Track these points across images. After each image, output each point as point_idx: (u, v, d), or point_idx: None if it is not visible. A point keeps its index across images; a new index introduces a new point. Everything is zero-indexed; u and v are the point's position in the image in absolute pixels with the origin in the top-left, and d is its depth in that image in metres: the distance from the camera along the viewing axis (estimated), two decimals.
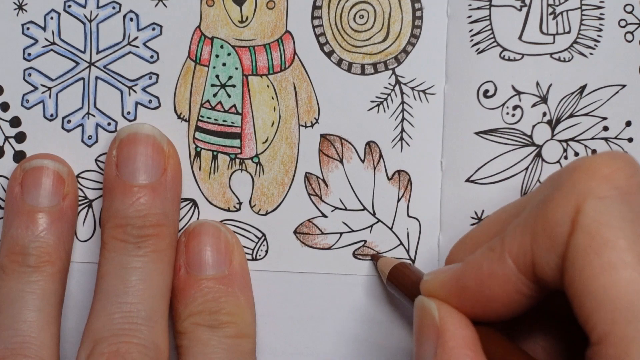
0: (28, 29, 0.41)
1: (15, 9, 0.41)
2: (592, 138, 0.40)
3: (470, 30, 0.40)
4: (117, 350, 0.36)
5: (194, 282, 0.39)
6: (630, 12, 0.40)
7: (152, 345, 0.37)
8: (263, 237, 0.42)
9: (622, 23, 0.40)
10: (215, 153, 0.42)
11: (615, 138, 0.40)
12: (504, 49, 0.40)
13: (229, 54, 0.41)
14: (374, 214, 0.41)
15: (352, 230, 0.41)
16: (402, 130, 0.41)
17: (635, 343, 0.27)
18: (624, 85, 0.40)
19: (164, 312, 0.38)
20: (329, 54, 0.41)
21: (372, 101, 0.41)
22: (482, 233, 0.35)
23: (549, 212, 0.30)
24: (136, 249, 0.38)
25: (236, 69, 0.41)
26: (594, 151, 0.40)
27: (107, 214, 0.39)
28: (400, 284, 0.38)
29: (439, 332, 0.32)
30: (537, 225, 0.30)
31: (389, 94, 0.41)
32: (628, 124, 0.40)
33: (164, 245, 0.39)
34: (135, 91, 0.41)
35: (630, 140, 0.40)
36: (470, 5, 0.40)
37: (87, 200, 0.42)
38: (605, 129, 0.40)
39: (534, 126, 0.40)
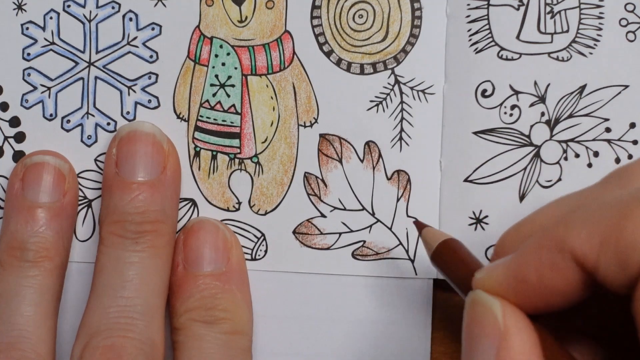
0: (27, 28, 0.41)
1: (14, 9, 0.41)
2: (594, 139, 0.40)
3: (469, 30, 0.40)
4: (112, 345, 0.36)
5: (191, 279, 0.39)
6: (632, 11, 0.40)
7: (147, 341, 0.37)
8: (262, 237, 0.41)
9: (624, 22, 0.40)
10: (214, 153, 0.42)
11: (619, 140, 0.40)
12: (502, 49, 0.40)
13: (228, 54, 0.41)
14: (373, 214, 0.41)
15: (351, 231, 0.41)
16: (402, 130, 0.41)
17: None
18: (626, 86, 0.40)
19: (160, 308, 0.38)
20: (328, 54, 0.41)
21: (371, 101, 0.41)
22: (538, 222, 0.34)
23: (627, 232, 0.28)
24: (134, 244, 0.38)
25: (235, 68, 0.41)
26: (596, 153, 0.40)
27: (105, 211, 0.39)
28: (447, 264, 0.36)
29: (502, 335, 0.30)
30: (609, 237, 0.28)
31: (388, 94, 0.41)
32: (632, 125, 0.40)
33: (162, 242, 0.39)
34: (134, 91, 0.41)
35: (635, 142, 0.40)
36: (468, 4, 0.40)
37: (86, 200, 0.42)
38: (608, 130, 0.40)
39: (532, 126, 0.40)
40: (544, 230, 0.30)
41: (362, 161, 0.41)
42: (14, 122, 0.42)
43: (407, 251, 0.41)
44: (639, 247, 0.27)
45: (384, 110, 0.41)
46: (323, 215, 0.41)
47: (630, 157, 0.40)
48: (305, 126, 0.41)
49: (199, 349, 0.38)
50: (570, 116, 0.40)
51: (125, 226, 0.38)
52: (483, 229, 0.40)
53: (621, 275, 0.28)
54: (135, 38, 0.42)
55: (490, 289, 0.31)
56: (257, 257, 0.42)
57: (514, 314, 0.30)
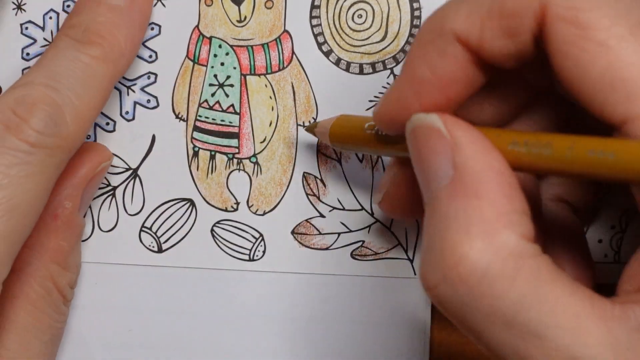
0: (27, 28, 0.41)
1: (14, 9, 0.41)
2: None
3: None
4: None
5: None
6: None
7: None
8: (260, 238, 0.41)
9: None
10: (213, 153, 0.41)
11: None
12: None
13: (227, 54, 0.41)
14: (372, 214, 0.41)
15: (350, 231, 0.41)
16: None
17: None
18: None
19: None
20: (327, 54, 0.41)
21: (370, 101, 0.41)
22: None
23: (508, 3, 0.29)
24: (85, 46, 0.37)
25: (234, 68, 0.41)
26: None
27: (67, 22, 0.38)
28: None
29: (452, 145, 0.29)
30: (491, 10, 0.29)
31: None
32: None
33: (110, 58, 0.38)
34: (133, 91, 0.41)
35: None
36: None
37: None
38: None
39: None
40: (424, 26, 0.31)
41: (361, 161, 0.41)
42: None
43: (406, 251, 0.41)
44: (524, 12, 0.28)
45: None
46: (322, 216, 0.41)
47: None
48: (304, 126, 0.41)
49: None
50: None
51: (80, 30, 0.37)
52: None
53: (510, 45, 0.29)
54: None
55: (392, 109, 0.32)
56: (256, 257, 0.41)
57: (454, 120, 0.30)
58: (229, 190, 0.42)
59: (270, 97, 0.41)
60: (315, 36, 0.41)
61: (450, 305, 0.29)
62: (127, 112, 0.42)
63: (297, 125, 0.41)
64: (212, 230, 0.42)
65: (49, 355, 0.39)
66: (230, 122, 0.41)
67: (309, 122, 0.41)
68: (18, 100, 0.35)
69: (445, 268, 0.28)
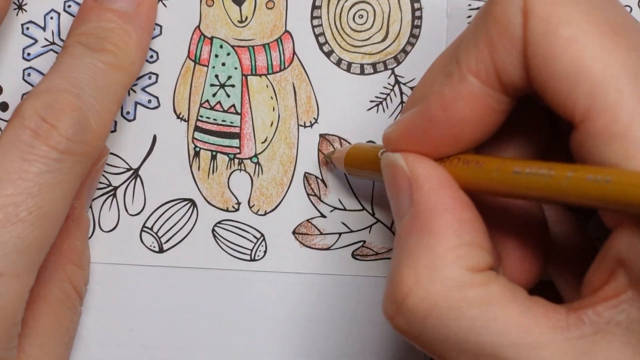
0: (28, 28, 0.41)
1: (15, 9, 0.41)
2: None
3: None
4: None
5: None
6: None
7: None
8: (262, 238, 0.41)
9: None
10: (214, 153, 0.41)
11: None
12: None
13: (228, 54, 0.41)
14: (373, 214, 0.41)
15: (351, 231, 0.41)
16: None
17: (619, 105, 0.27)
18: None
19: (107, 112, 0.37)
20: (328, 54, 0.41)
21: (371, 101, 0.41)
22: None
23: (498, 14, 0.29)
24: (97, 53, 0.37)
25: (235, 68, 0.41)
26: None
27: (76, 28, 0.38)
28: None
29: (410, 180, 0.31)
30: (490, 32, 0.30)
31: (388, 94, 0.41)
32: None
33: (123, 65, 0.38)
34: (134, 91, 0.41)
35: None
36: (469, 5, 0.40)
37: None
38: None
39: None
40: (441, 75, 0.31)
41: None
42: None
43: None
44: (512, 16, 0.29)
45: (384, 111, 0.41)
46: (323, 216, 0.41)
47: None
48: (305, 126, 0.41)
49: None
50: None
51: (92, 37, 0.37)
52: None
53: (515, 54, 0.29)
54: None
55: (399, 139, 0.33)
56: (257, 257, 0.42)
57: (418, 158, 0.32)
58: (230, 190, 0.42)
59: (272, 98, 0.41)
60: (317, 36, 0.41)
61: (408, 335, 0.30)
62: (128, 112, 0.42)
63: (299, 125, 0.41)
64: (213, 230, 0.42)
65: (66, 356, 0.39)
66: (232, 123, 0.41)
67: (310, 122, 0.41)
68: (45, 106, 0.35)
69: (397, 301, 0.30)
